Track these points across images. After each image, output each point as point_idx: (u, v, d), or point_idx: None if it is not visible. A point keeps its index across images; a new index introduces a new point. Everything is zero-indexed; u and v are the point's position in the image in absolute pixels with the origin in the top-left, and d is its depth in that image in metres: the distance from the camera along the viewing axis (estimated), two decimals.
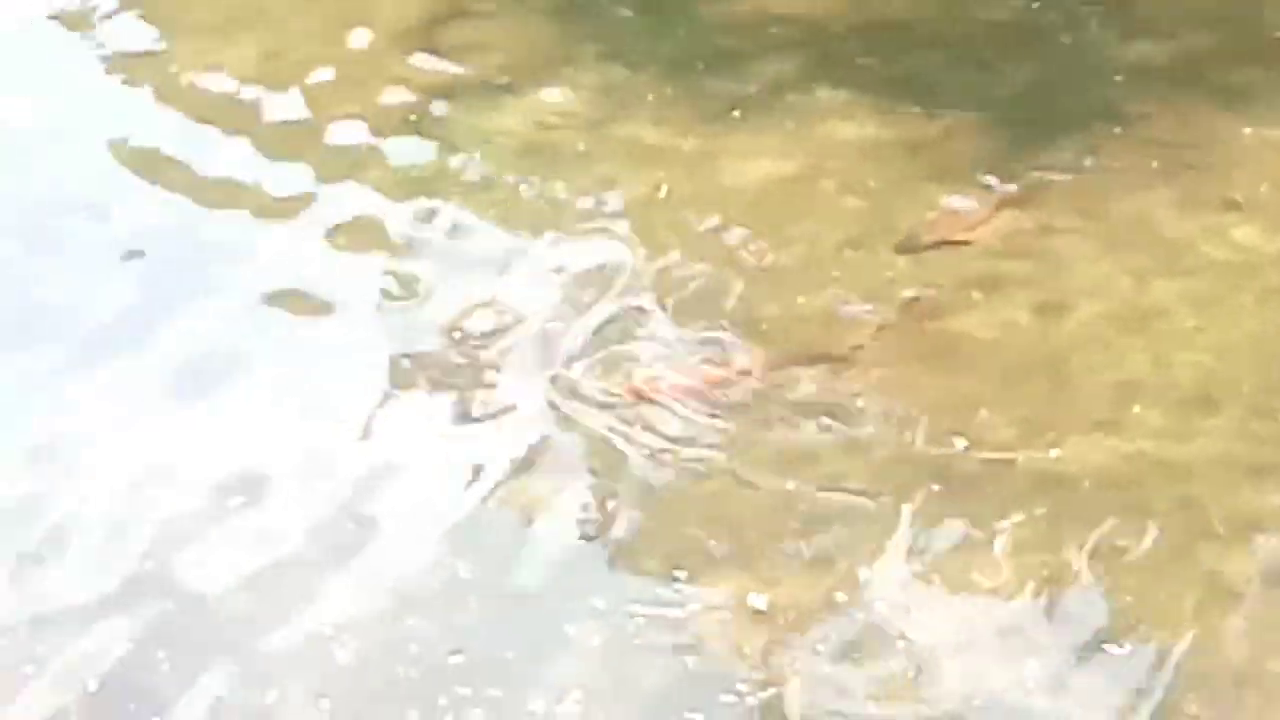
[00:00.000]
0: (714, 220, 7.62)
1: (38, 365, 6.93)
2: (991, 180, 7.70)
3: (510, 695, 5.47)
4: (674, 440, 6.48)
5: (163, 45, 9.17)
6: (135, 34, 9.26)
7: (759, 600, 5.77)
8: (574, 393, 6.68)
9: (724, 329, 6.94)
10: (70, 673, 5.55)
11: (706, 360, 6.87)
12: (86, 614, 5.77)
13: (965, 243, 7.37)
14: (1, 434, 6.60)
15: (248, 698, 5.49)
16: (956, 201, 7.62)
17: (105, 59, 9.11)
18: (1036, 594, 5.81)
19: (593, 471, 6.35)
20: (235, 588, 5.89)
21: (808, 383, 6.71)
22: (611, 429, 6.51)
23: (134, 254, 7.63)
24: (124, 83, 8.96)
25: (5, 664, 5.61)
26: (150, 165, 8.26)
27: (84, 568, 5.95)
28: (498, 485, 6.29)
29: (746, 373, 6.83)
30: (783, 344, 6.93)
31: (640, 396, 6.72)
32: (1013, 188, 7.65)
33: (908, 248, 7.35)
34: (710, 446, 6.45)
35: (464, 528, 6.14)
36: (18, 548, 6.05)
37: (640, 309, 7.12)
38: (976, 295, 7.11)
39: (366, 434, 6.58)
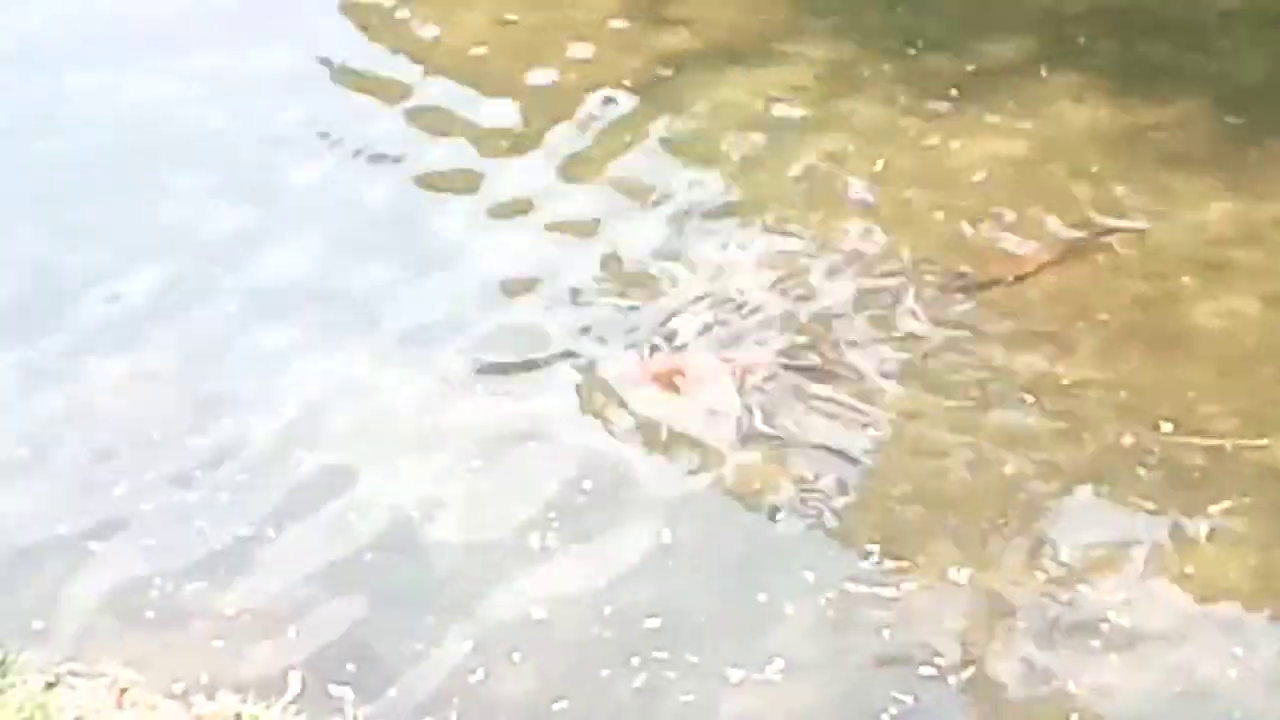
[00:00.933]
0: (935, 198, 7.59)
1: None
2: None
3: (708, 661, 5.43)
4: (890, 418, 6.46)
5: (404, 6, 9.40)
6: None
7: (966, 579, 5.70)
8: (787, 368, 6.72)
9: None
10: (303, 633, 5.58)
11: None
12: (323, 576, 5.82)
13: (1021, 279, 7.19)
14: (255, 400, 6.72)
15: (449, 647, 5.53)
16: (1014, 244, 7.42)
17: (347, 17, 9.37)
18: (1249, 586, 5.68)
19: (807, 447, 6.32)
20: (460, 551, 5.95)
21: (1029, 365, 6.69)
22: (826, 405, 6.50)
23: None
24: (362, 38, 9.15)
25: (248, 621, 5.67)
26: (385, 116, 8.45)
27: (327, 530, 6.03)
28: (711, 459, 6.27)
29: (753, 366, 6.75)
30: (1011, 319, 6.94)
31: (664, 383, 6.70)
32: (1081, 235, 7.37)
33: (962, 287, 7.16)
34: (928, 425, 6.41)
35: (677, 500, 6.11)
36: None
37: (858, 286, 7.10)
38: (1201, 283, 7.08)
39: (584, 408, 6.60)
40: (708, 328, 6.85)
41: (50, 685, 4.89)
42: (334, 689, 5.23)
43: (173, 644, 5.42)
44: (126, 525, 5.94)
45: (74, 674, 4.99)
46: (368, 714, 5.11)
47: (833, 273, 7.19)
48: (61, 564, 5.76)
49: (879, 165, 7.84)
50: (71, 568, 5.75)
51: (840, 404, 6.49)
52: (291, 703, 5.08)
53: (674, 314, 6.93)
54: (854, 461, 6.24)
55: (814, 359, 6.70)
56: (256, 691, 5.10)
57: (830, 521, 6.01)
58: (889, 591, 5.68)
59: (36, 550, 5.84)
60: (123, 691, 4.94)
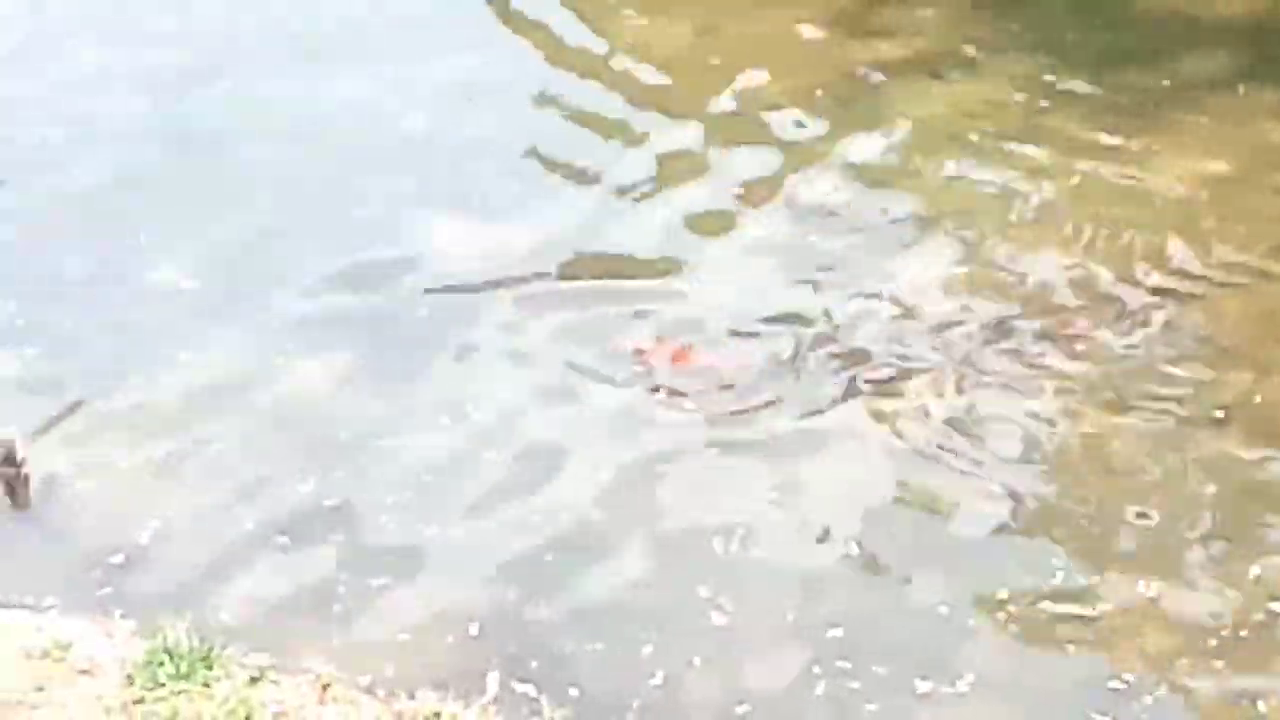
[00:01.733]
0: (1132, 215, 7.48)
1: None
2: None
3: (896, 673, 5.37)
4: (1081, 433, 6.37)
5: (598, 17, 9.43)
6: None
7: (1157, 596, 5.60)
8: (980, 382, 6.64)
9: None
10: (489, 631, 5.61)
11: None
12: (508, 576, 5.83)
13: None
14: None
15: (625, 650, 5.51)
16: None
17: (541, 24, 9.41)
18: None
19: (1003, 461, 6.25)
20: (643, 554, 5.94)
21: (1225, 384, 6.55)
22: (1017, 419, 6.43)
23: None
24: (558, 48, 9.19)
25: (435, 619, 5.68)
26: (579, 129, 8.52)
27: (512, 531, 6.03)
28: (900, 471, 6.22)
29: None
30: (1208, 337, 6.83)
31: (648, 362, 6.72)
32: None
33: (1048, 335, 6.99)
34: (1120, 443, 6.31)
35: (862, 512, 6.06)
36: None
37: (1050, 300, 7.02)
38: None
39: (777, 421, 6.55)
40: (898, 344, 6.82)
41: (254, 680, 4.97)
42: (518, 686, 5.27)
43: (363, 641, 5.45)
44: (316, 523, 6.01)
45: (276, 669, 5.06)
46: (560, 715, 5.14)
47: (1025, 287, 7.13)
48: (256, 561, 5.84)
49: (1076, 181, 7.76)
50: (265, 564, 5.82)
51: (1032, 418, 6.42)
52: (490, 703, 5.12)
53: (860, 326, 6.91)
54: (1043, 477, 6.17)
55: (1003, 372, 6.65)
56: (453, 689, 5.13)
57: (1018, 537, 5.95)
58: (1079, 608, 5.60)
59: (231, 547, 5.91)
60: (325, 688, 5.02)
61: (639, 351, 6.83)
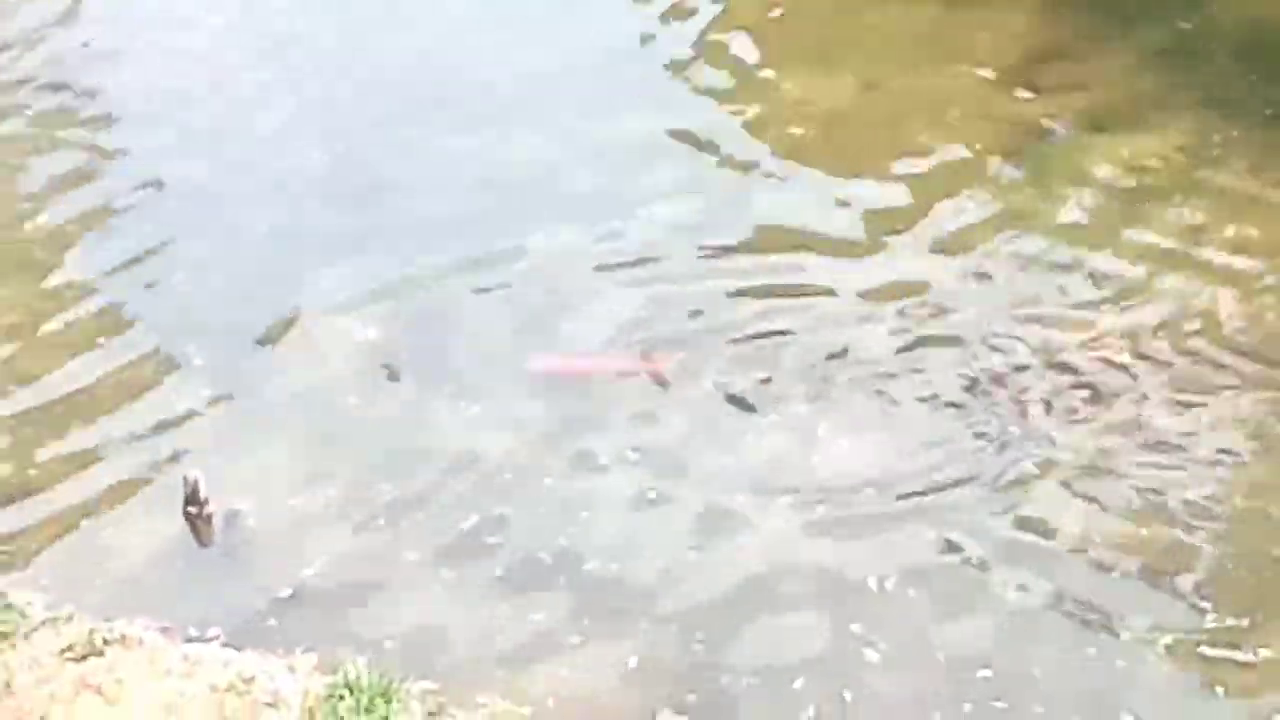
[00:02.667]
0: None
1: None
2: None
3: (1050, 712, 5.45)
4: (1241, 482, 6.39)
5: (767, 68, 9.53)
6: (742, 54, 9.68)
7: None
8: (1147, 429, 6.65)
9: None
10: (646, 665, 5.77)
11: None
12: (665, 612, 5.98)
13: None
14: None
15: (784, 682, 5.64)
16: None
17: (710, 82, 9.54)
18: None
19: (1161, 510, 6.26)
20: (803, 594, 6.05)
21: None
22: (1171, 467, 6.46)
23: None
24: (728, 100, 9.30)
25: (594, 653, 5.84)
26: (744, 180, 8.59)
27: (679, 569, 6.20)
28: (1053, 517, 6.29)
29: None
30: None
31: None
32: None
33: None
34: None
35: (1014, 554, 6.13)
36: None
37: (1213, 353, 7.03)
38: None
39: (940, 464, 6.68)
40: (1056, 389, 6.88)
41: (432, 715, 5.15)
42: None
43: (529, 675, 5.61)
44: (476, 555, 6.20)
45: (452, 704, 5.22)
46: None
47: (1187, 339, 7.13)
48: (422, 596, 6.01)
49: (1237, 234, 7.74)
50: (431, 600, 6.00)
51: (1189, 462, 6.45)
52: None
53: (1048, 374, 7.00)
54: (1198, 524, 6.18)
55: (1156, 424, 6.69)
56: None
57: (1170, 579, 5.97)
58: (1240, 655, 5.62)
59: (391, 580, 6.11)
60: None
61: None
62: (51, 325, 7.54)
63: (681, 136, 8.85)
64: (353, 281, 7.72)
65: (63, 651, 5.28)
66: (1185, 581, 5.94)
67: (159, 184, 8.55)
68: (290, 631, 5.69)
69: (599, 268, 7.79)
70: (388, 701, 5.06)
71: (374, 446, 6.77)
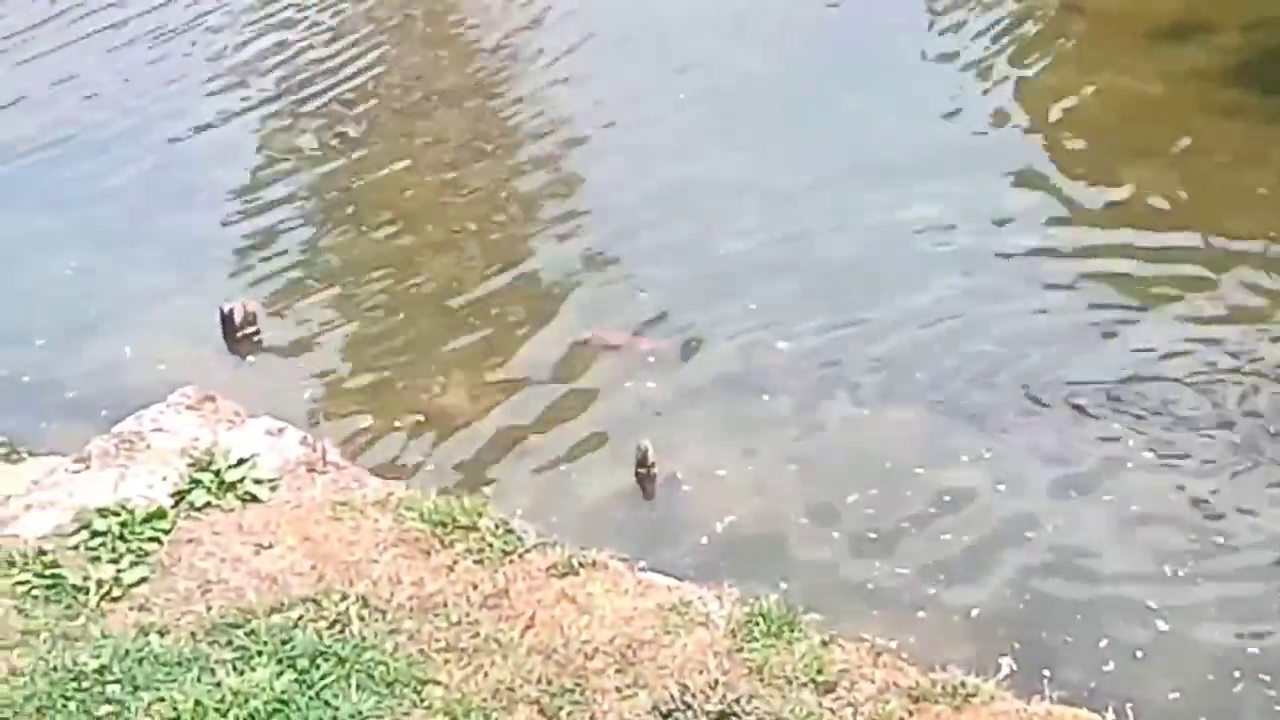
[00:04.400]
0: None
1: None
2: None
3: None
4: None
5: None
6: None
7: None
8: None
9: None
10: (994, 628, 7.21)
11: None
12: (1008, 586, 7.34)
13: None
14: None
15: (1092, 646, 6.97)
16: None
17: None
18: None
19: None
20: (1110, 576, 7.34)
21: None
22: None
23: None
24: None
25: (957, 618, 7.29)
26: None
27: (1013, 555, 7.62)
28: None
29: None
30: None
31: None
32: None
33: None
34: None
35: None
36: None
37: None
38: None
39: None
40: None
41: (825, 643, 6.23)
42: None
43: (900, 621, 7.09)
44: (854, 522, 7.71)
45: (841, 636, 6.32)
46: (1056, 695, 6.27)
47: None
48: (810, 545, 7.59)
49: None
50: (818, 549, 7.59)
51: None
52: (1004, 679, 6.27)
53: None
54: None
55: None
56: (973, 667, 6.34)
57: None
58: None
59: (791, 534, 7.67)
60: (877, 655, 6.23)
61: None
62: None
63: (1046, 208, 10.03)
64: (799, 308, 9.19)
65: (548, 569, 6.49)
66: None
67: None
68: (715, 569, 7.13)
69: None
70: (791, 629, 6.22)
71: (785, 434, 8.32)
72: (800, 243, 9.77)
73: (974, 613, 7.18)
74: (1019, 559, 7.46)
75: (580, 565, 6.57)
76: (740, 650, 6.14)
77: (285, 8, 13.08)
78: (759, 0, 12.60)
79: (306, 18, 12.93)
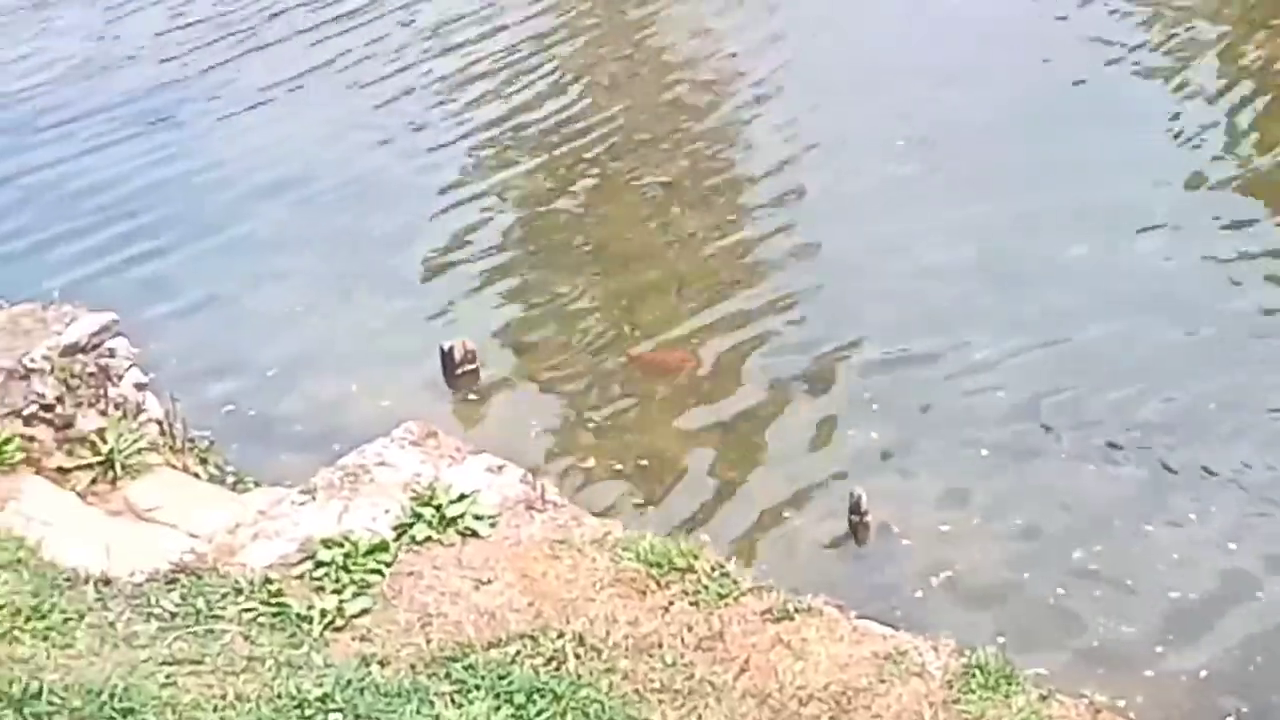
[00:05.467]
0: None
1: None
2: None
3: None
4: None
5: None
6: None
7: None
8: None
9: None
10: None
11: None
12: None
13: None
14: None
15: None
16: None
17: None
18: None
19: None
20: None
21: None
22: None
23: None
24: None
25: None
26: None
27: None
28: None
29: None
30: None
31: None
32: None
33: None
34: None
35: None
36: None
37: None
38: None
39: None
40: None
41: (1043, 698, 6.14)
42: None
43: (1122, 679, 6.91)
44: (1081, 577, 7.58)
45: (1060, 692, 6.23)
46: None
47: None
48: (1020, 596, 7.46)
49: None
50: (1031, 602, 7.45)
51: None
52: None
53: None
54: None
55: None
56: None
57: None
58: None
59: (1007, 587, 7.57)
60: (1096, 712, 6.12)
61: None
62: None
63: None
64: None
65: (763, 613, 6.40)
66: None
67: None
68: (930, 618, 7.05)
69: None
70: (1009, 682, 6.10)
71: (1003, 485, 8.16)
72: (1019, 290, 9.68)
73: (1202, 674, 7.00)
74: (1249, 619, 7.28)
75: (795, 610, 6.49)
76: (956, 702, 6.04)
77: (503, 55, 13.27)
78: (969, 48, 12.53)
79: (522, 67, 13.10)
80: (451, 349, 9.21)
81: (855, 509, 7.90)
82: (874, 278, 9.90)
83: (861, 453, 8.47)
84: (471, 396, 9.14)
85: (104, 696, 5.63)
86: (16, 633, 5.96)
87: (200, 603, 6.36)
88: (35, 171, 11.88)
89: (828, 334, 9.41)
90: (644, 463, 8.49)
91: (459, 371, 9.21)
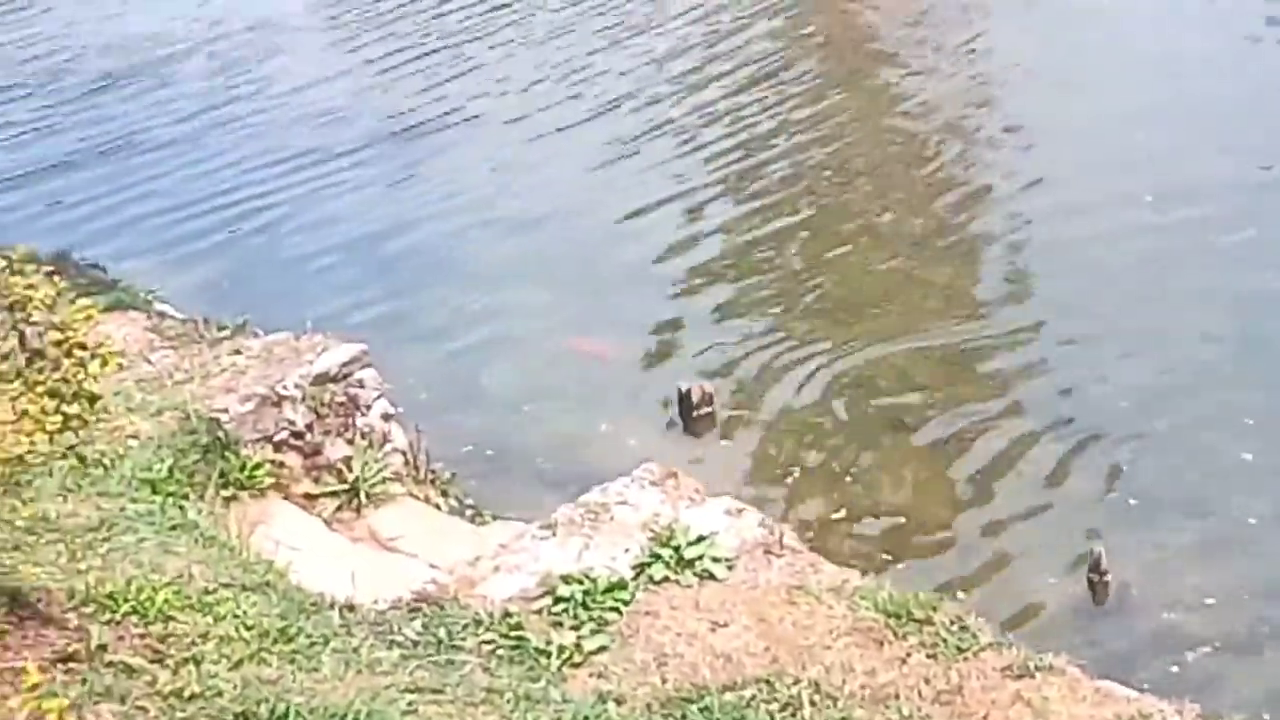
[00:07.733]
0: None
1: None
2: None
3: None
4: None
5: None
6: None
7: None
8: None
9: None
10: None
11: None
12: None
13: None
14: None
15: None
16: None
17: None
18: None
19: None
20: None
21: None
22: None
23: None
24: None
25: None
26: None
27: None
28: None
29: None
30: None
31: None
32: None
33: None
34: None
35: None
36: None
37: None
38: None
39: None
40: None
41: None
42: None
43: None
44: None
45: None
46: None
47: None
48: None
49: None
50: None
51: None
52: None
53: None
54: None
55: None
56: None
57: None
58: None
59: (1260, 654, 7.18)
60: None
61: None
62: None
63: None
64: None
65: (1003, 670, 6.20)
66: None
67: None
68: (1170, 681, 6.77)
69: None
70: None
71: (1250, 549, 7.83)
72: (1269, 351, 9.34)
73: None
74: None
75: (1036, 669, 6.26)
76: None
77: (736, 95, 13.21)
78: (1214, 94, 12.17)
79: (754, 108, 13.07)
80: (689, 391, 9.09)
81: (1095, 567, 7.62)
82: (1115, 338, 9.63)
83: (1102, 509, 8.17)
84: (709, 438, 8.97)
85: None
86: (265, 654, 5.91)
87: (441, 632, 6.29)
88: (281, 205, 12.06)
89: (1069, 386, 9.15)
90: (878, 511, 8.29)
91: (696, 414, 9.08)
